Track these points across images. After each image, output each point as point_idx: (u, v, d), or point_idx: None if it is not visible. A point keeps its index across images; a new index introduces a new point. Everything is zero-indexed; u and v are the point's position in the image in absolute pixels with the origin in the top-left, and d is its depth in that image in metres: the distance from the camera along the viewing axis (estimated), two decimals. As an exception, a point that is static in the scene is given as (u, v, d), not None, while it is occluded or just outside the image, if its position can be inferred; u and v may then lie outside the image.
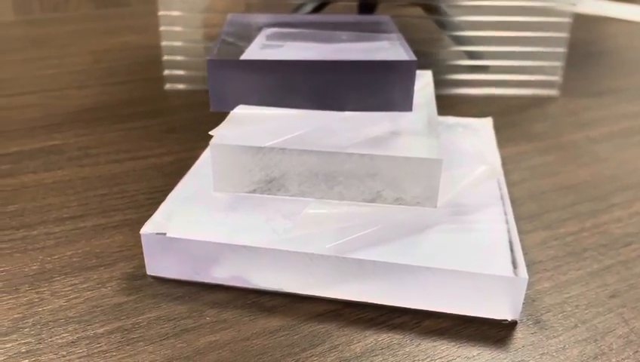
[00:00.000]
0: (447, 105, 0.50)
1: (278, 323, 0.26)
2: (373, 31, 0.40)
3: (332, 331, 0.26)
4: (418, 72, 0.40)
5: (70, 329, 0.25)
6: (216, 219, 0.29)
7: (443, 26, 0.59)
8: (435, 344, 0.25)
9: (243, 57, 0.34)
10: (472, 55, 0.58)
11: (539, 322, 0.27)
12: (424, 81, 0.39)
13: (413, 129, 0.32)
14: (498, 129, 0.45)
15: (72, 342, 0.25)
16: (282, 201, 0.30)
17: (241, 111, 0.32)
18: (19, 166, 0.39)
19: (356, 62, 0.32)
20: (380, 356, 0.24)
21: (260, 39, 0.38)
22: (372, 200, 0.30)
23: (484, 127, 0.40)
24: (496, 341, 0.25)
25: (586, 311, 0.27)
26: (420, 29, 0.61)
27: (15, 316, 0.26)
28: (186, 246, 0.28)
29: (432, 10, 0.59)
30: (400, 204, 0.30)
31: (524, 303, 0.27)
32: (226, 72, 0.32)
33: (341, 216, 0.29)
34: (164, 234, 0.28)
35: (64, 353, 0.24)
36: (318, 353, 0.24)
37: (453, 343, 0.25)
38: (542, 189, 0.37)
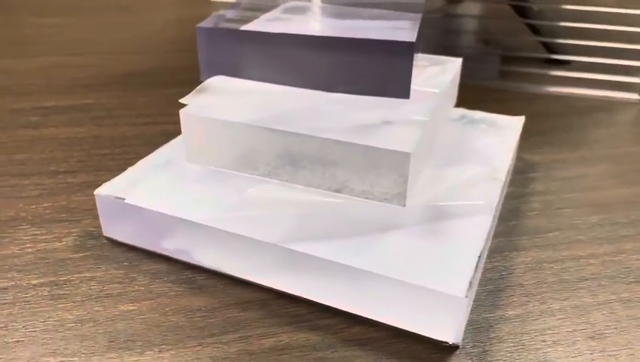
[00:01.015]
0: (501, 99, 0.46)
1: (201, 304, 0.25)
2: (406, 10, 0.37)
3: (251, 321, 0.24)
4: (446, 58, 0.37)
5: (9, 276, 0.26)
6: (176, 190, 0.28)
7: (521, 12, 0.53)
8: (353, 353, 0.23)
9: (243, 28, 0.33)
10: (550, 47, 0.52)
11: (484, 352, 0.23)
12: (448, 69, 0.35)
13: (409, 119, 0.29)
14: (546, 131, 0.40)
15: (4, 289, 0.25)
16: (249, 180, 0.29)
17: (220, 81, 0.31)
18: (46, 119, 0.41)
19: (347, 39, 0.30)
20: (287, 355, 0.23)
21: (274, 12, 0.37)
22: (337, 191, 0.28)
23: (510, 127, 0.35)
24: (423, 363, 0.22)
25: (549, 350, 0.23)
26: (499, 15, 0.56)
27: (-32, 256, 0.27)
28: (139, 214, 0.27)
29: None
30: (367, 198, 0.28)
31: (479, 328, 0.24)
32: (215, 42, 0.31)
33: (299, 203, 0.27)
34: (123, 199, 0.28)
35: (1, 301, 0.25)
36: (225, 341, 0.23)
37: (373, 356, 0.23)
38: (564, 204, 0.32)
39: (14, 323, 0.24)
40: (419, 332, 0.24)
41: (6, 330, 0.23)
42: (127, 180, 0.29)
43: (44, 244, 0.28)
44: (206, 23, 0.32)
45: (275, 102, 0.30)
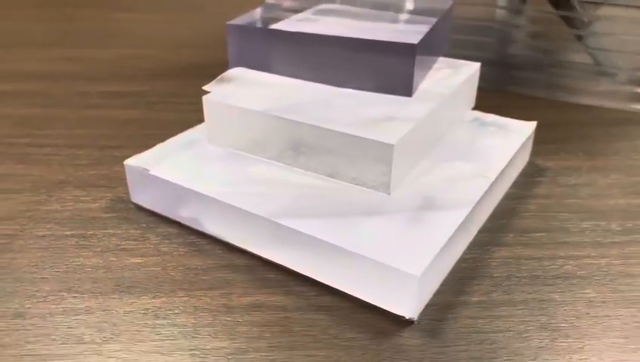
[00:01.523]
0: (530, 106, 0.46)
1: (198, 263, 0.29)
2: (430, 15, 0.39)
3: (236, 281, 0.27)
4: (464, 62, 0.38)
5: (48, 226, 0.31)
6: (194, 166, 0.32)
7: (571, 23, 0.53)
8: (318, 317, 0.25)
9: (272, 27, 0.36)
10: (598, 59, 0.52)
11: (436, 329, 0.25)
12: (462, 72, 0.37)
13: (408, 116, 0.31)
14: (566, 139, 0.41)
15: (42, 236, 0.30)
16: (257, 162, 0.32)
17: (240, 73, 0.35)
18: (107, 102, 0.46)
19: (356, 39, 0.32)
20: (259, 312, 0.26)
21: (306, 12, 0.40)
22: (331, 176, 0.31)
23: (519, 131, 0.36)
24: (377, 332, 0.25)
25: (498, 335, 0.25)
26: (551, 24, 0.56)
27: (19, 208, 0.33)
28: (160, 184, 0.32)
29: (560, 4, 0.54)
30: (357, 184, 0.30)
31: (439, 309, 0.26)
32: (242, 38, 0.35)
33: (295, 184, 0.30)
34: (148, 170, 0.32)
35: (32, 242, 0.30)
36: (210, 295, 0.27)
37: (335, 321, 0.25)
38: (561, 209, 0.33)
39: (43, 263, 0.28)
40: (381, 306, 0.26)
41: (36, 268, 0.28)
42: (155, 155, 0.33)
43: (82, 204, 0.33)
44: (236, 21, 0.36)
45: (290, 94, 0.33)
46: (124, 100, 0.47)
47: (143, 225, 0.31)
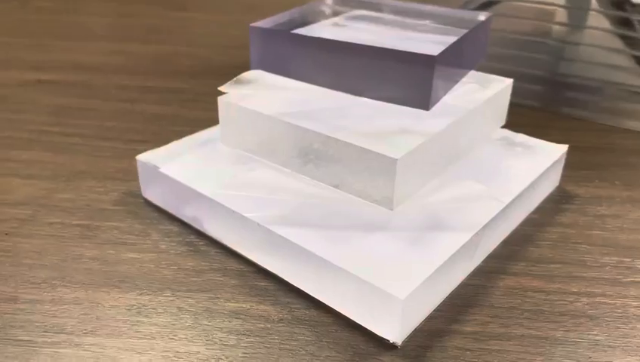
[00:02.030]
0: (572, 128, 0.44)
1: (191, 264, 0.29)
2: (466, 26, 0.38)
3: (225, 285, 0.27)
4: (495, 77, 0.37)
5: (58, 215, 0.32)
6: (202, 166, 0.32)
7: (631, 42, 0.50)
8: (299, 331, 0.25)
9: (296, 31, 0.36)
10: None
11: (418, 357, 0.24)
12: (490, 88, 0.35)
13: (422, 130, 0.30)
14: (604, 166, 0.38)
15: (50, 223, 0.31)
16: (265, 166, 0.32)
17: (258, 75, 0.35)
18: (142, 96, 0.47)
19: (374, 47, 0.31)
20: (240, 320, 0.25)
21: (338, 18, 0.39)
22: (336, 186, 0.30)
23: (547, 153, 0.34)
24: (357, 353, 0.24)
25: (486, 369, 0.23)
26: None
27: (36, 194, 0.34)
28: (167, 182, 0.32)
29: (622, 22, 0.51)
30: (360, 197, 0.29)
31: (427, 335, 0.25)
32: (264, 40, 0.35)
33: (297, 192, 0.30)
34: (158, 167, 0.32)
35: (39, 228, 0.31)
36: (196, 297, 0.26)
37: (315, 337, 0.24)
38: (582, 240, 0.31)
39: (45, 250, 0.29)
40: (366, 326, 0.25)
41: (37, 255, 0.29)
42: (168, 152, 0.34)
43: (95, 195, 0.34)
44: (260, 23, 0.35)
45: (305, 100, 0.33)
46: (159, 96, 0.48)
47: (148, 220, 0.32)
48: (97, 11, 0.73)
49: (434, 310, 0.26)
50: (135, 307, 0.26)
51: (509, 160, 0.34)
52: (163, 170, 0.32)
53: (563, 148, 0.35)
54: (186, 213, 0.31)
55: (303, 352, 0.24)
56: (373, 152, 0.28)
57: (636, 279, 0.28)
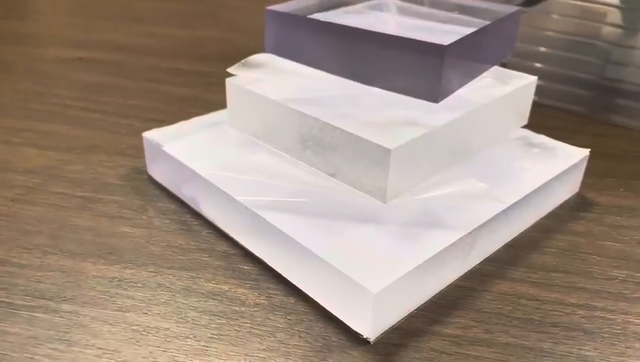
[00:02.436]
0: (605, 133, 0.41)
1: (180, 242, 0.29)
2: (490, 19, 0.36)
3: (208, 266, 0.27)
4: (519, 74, 0.35)
5: (64, 185, 0.33)
6: (205, 148, 0.32)
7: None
8: (273, 318, 0.24)
9: (313, 16, 0.35)
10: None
11: (389, 355, 0.23)
12: (510, 84, 0.33)
13: (427, 123, 0.29)
14: (633, 175, 0.36)
15: (55, 193, 0.32)
16: (266, 151, 0.32)
17: (269, 59, 0.34)
18: (170, 78, 0.48)
19: (384, 35, 0.30)
20: (216, 301, 0.25)
21: (359, 5, 0.39)
22: (332, 175, 0.29)
23: (566, 157, 0.32)
24: (326, 345, 0.23)
25: (459, 374, 0.22)
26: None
27: (48, 164, 0.35)
28: (169, 161, 0.32)
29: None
30: (355, 187, 0.28)
31: (404, 334, 0.24)
32: (278, 24, 0.34)
33: (293, 178, 0.29)
34: (162, 146, 0.32)
35: (45, 197, 0.32)
36: (177, 275, 0.26)
37: (288, 325, 0.24)
38: (593, 250, 0.29)
39: (44, 218, 0.30)
40: (342, 319, 0.24)
41: (36, 222, 0.30)
42: (175, 131, 0.34)
43: (103, 169, 0.34)
44: (277, 7, 0.35)
45: (314, 86, 0.32)
46: (185, 78, 0.48)
47: (148, 197, 0.32)
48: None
49: (417, 309, 0.25)
50: (117, 279, 0.26)
51: (522, 161, 0.32)
52: (166, 148, 0.32)
53: (584, 152, 0.33)
54: (185, 193, 0.31)
55: (272, 338, 0.23)
56: (367, 141, 0.27)
57: (644, 296, 0.26)
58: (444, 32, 0.35)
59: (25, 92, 0.44)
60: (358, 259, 0.24)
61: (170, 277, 0.26)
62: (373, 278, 0.23)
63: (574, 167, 0.32)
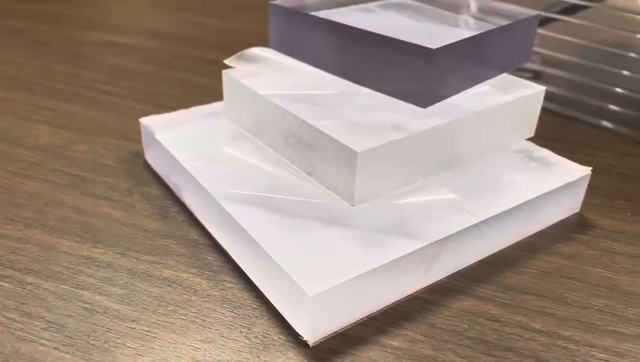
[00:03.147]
0: (625, 153, 0.38)
1: (154, 227, 0.29)
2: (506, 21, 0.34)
3: (174, 253, 0.27)
4: (527, 83, 0.33)
5: (63, 163, 0.34)
6: (196, 138, 0.32)
7: None
8: (219, 310, 0.24)
9: (317, 13, 0.35)
10: None
11: (323, 360, 0.22)
12: (514, 93, 0.32)
13: (410, 128, 0.28)
14: (631, 197, 0.33)
15: (54, 170, 0.34)
16: (252, 145, 0.32)
17: (266, 53, 0.34)
18: (193, 66, 0.49)
19: (376, 35, 0.30)
20: (170, 289, 0.25)
21: (371, 4, 0.38)
22: (309, 173, 0.29)
23: (564, 174, 0.30)
24: (264, 344, 0.23)
25: (390, 388, 0.21)
26: None
27: (55, 143, 0.36)
28: (160, 148, 0.33)
29: None
30: (328, 188, 0.28)
31: (346, 342, 0.23)
32: (280, 19, 0.34)
33: (270, 174, 0.29)
34: (154, 133, 0.33)
35: (43, 173, 0.33)
36: (141, 259, 0.27)
37: (234, 320, 0.24)
38: (577, 276, 0.27)
39: (36, 193, 0.31)
40: (287, 319, 0.24)
41: (27, 196, 0.31)
42: (171, 119, 0.34)
43: (104, 151, 0.36)
44: (279, 2, 0.35)
45: (310, 84, 0.32)
46: (210, 68, 0.49)
47: (137, 181, 0.33)
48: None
49: (368, 317, 0.25)
50: (84, 257, 0.27)
51: (514, 174, 0.30)
52: (157, 136, 0.32)
53: (585, 170, 0.31)
54: (172, 180, 0.32)
55: (213, 330, 0.23)
56: (338, 142, 0.26)
57: (618, 328, 0.24)
58: (452, 36, 0.34)
59: (56, 72, 0.47)
60: (308, 260, 0.24)
61: (134, 260, 0.27)
62: (314, 281, 0.22)
63: (573, 185, 0.30)
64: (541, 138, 0.34)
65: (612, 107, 0.43)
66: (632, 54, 0.43)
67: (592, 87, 0.43)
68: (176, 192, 0.32)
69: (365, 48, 0.30)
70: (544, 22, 0.52)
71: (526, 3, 0.50)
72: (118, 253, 0.27)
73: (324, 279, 0.23)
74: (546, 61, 0.48)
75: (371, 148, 0.26)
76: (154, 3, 0.68)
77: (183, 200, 0.31)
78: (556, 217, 0.31)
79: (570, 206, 0.31)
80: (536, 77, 0.49)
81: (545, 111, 0.43)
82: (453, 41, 0.29)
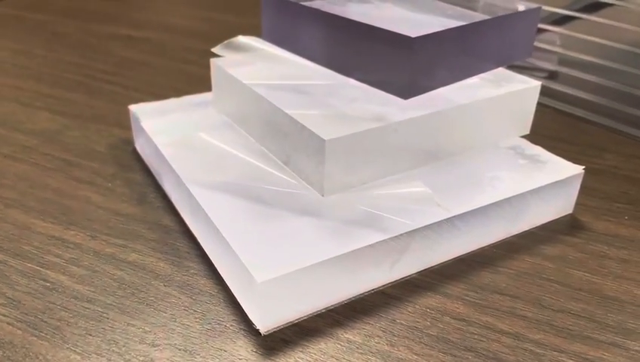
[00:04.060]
0: (631, 155, 0.36)
1: (128, 212, 0.29)
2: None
3: (143, 238, 0.27)
4: (522, 78, 0.32)
5: (54, 148, 0.35)
6: (181, 126, 0.32)
7: None
8: (178, 294, 0.24)
9: (312, 4, 0.34)
10: None
11: (274, 350, 0.22)
12: (506, 87, 0.30)
13: (389, 119, 0.27)
14: (633, 201, 0.31)
15: (45, 154, 0.34)
16: (235, 134, 0.31)
17: (255, 42, 0.34)
18: (200, 59, 0.49)
19: (358, 23, 0.29)
20: (133, 272, 0.25)
21: (369, -4, 0.37)
22: (285, 163, 0.28)
23: (554, 172, 0.29)
24: (215, 330, 0.23)
25: (336, 382, 0.20)
26: None
27: (52, 128, 0.37)
28: (145, 136, 0.33)
29: None
30: (301, 177, 0.27)
31: (298, 331, 0.23)
32: (272, 9, 0.34)
33: (246, 163, 0.29)
34: (139, 120, 0.33)
35: (35, 157, 0.34)
36: (110, 241, 0.27)
37: (189, 306, 0.24)
38: (559, 279, 0.26)
39: (23, 174, 0.32)
40: (243, 308, 0.24)
41: (14, 177, 0.32)
42: (161, 107, 0.35)
43: (96, 137, 0.36)
44: (269, -9, 0.35)
45: (297, 75, 0.31)
46: (216, 61, 0.49)
47: (122, 167, 0.33)
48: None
49: (328, 310, 0.24)
50: (54, 238, 0.27)
51: (499, 171, 0.29)
52: (143, 123, 0.33)
53: (576, 169, 0.29)
54: (155, 167, 0.32)
55: (166, 314, 0.23)
56: (307, 130, 0.26)
57: (593, 335, 0.23)
58: (443, 26, 0.33)
59: (66, 63, 0.48)
60: (265, 248, 0.23)
61: (103, 243, 0.27)
62: (265, 268, 0.22)
63: (562, 184, 0.29)
64: (546, 138, 0.32)
65: (627, 109, 0.41)
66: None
67: (608, 88, 0.41)
68: (157, 178, 0.32)
69: (349, 37, 0.30)
70: (562, 20, 0.50)
71: (547, 1, 0.49)
72: (88, 236, 0.27)
73: (276, 267, 0.22)
74: (563, 61, 0.46)
75: (340, 136, 0.25)
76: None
77: (163, 187, 0.31)
78: (546, 218, 0.29)
79: (561, 206, 0.30)
80: (551, 77, 0.48)
81: (556, 111, 0.42)
82: (434, 28, 0.28)
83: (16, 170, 0.32)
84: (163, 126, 0.32)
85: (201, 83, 0.44)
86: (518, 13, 0.32)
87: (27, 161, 0.33)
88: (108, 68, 0.47)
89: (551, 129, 0.39)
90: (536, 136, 0.32)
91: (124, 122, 0.38)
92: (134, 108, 0.34)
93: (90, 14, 0.61)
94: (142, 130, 0.32)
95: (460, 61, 0.30)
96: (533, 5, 0.33)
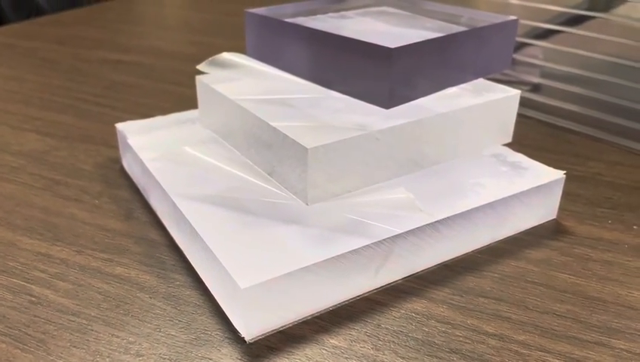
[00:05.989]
0: (616, 162, 0.37)
1: (115, 227, 0.29)
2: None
3: (129, 252, 0.27)
4: (503, 87, 0.32)
5: (42, 168, 0.35)
6: (166, 143, 0.33)
7: None
8: (163, 305, 0.24)
9: (295, 20, 0.35)
10: None
11: (259, 357, 0.22)
12: (486, 96, 0.31)
13: (377, 128, 0.27)
14: (635, 208, 0.32)
15: (32, 174, 0.34)
16: (221, 147, 0.32)
17: (239, 59, 0.34)
18: (188, 81, 0.50)
19: (336, 36, 0.30)
20: (119, 285, 0.25)
21: (352, 11, 0.38)
22: (270, 174, 0.29)
23: (535, 178, 0.29)
24: (200, 339, 0.22)
25: (321, 387, 0.20)
26: None
27: (40, 149, 0.37)
28: (132, 153, 0.33)
29: None
30: (285, 187, 0.28)
31: (284, 338, 0.23)
32: (255, 26, 0.35)
33: (232, 175, 0.29)
34: (126, 138, 0.33)
35: (23, 177, 0.34)
36: (95, 256, 0.27)
37: (174, 317, 0.24)
38: (543, 281, 0.26)
39: (10, 195, 0.32)
40: (228, 316, 0.24)
41: (2, 197, 0.32)
42: (146, 125, 0.35)
43: (84, 157, 0.36)
44: (255, 10, 0.35)
45: (282, 89, 0.32)
46: (204, 82, 0.50)
47: (108, 184, 0.33)
48: (206, 9, 0.79)
49: (313, 316, 0.24)
50: (40, 254, 0.27)
51: (481, 177, 0.29)
52: (129, 140, 0.33)
53: (557, 174, 0.30)
54: (141, 183, 0.32)
55: (151, 325, 0.23)
56: (290, 139, 0.26)
57: (579, 335, 0.23)
58: (421, 39, 0.33)
59: (56, 87, 0.48)
60: (249, 255, 0.23)
61: (89, 257, 0.27)
62: (248, 275, 0.22)
63: (544, 189, 0.29)
64: (529, 148, 0.33)
65: (610, 118, 0.41)
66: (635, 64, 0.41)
67: (591, 98, 0.42)
68: (144, 194, 0.32)
69: (330, 51, 0.30)
70: (545, 34, 0.51)
71: (530, 15, 0.49)
72: (74, 251, 0.27)
73: (260, 273, 0.22)
74: (546, 74, 0.47)
75: (323, 145, 0.26)
76: (158, 25, 0.70)
77: (149, 202, 0.31)
78: (530, 223, 0.30)
79: (544, 212, 0.30)
80: (535, 90, 0.48)
81: (539, 122, 0.42)
82: (411, 40, 0.28)
83: (2, 190, 0.33)
84: (149, 142, 0.32)
85: (191, 104, 0.45)
86: (495, 25, 0.33)
87: (14, 180, 0.34)
88: (97, 91, 0.47)
89: (534, 139, 0.40)
90: (519, 146, 0.33)
91: (112, 141, 0.38)
92: (121, 126, 0.35)
93: (81, 41, 0.62)
94: (128, 146, 0.33)
95: (440, 71, 0.31)
96: (511, 17, 0.34)
